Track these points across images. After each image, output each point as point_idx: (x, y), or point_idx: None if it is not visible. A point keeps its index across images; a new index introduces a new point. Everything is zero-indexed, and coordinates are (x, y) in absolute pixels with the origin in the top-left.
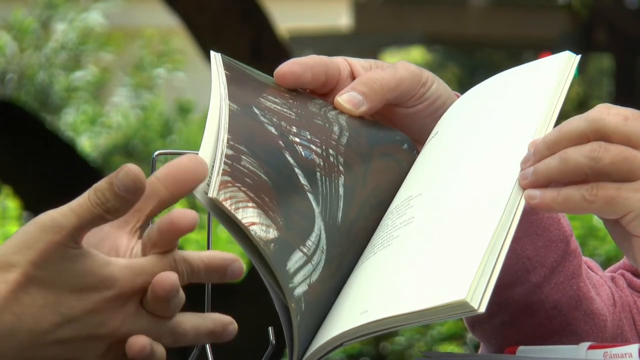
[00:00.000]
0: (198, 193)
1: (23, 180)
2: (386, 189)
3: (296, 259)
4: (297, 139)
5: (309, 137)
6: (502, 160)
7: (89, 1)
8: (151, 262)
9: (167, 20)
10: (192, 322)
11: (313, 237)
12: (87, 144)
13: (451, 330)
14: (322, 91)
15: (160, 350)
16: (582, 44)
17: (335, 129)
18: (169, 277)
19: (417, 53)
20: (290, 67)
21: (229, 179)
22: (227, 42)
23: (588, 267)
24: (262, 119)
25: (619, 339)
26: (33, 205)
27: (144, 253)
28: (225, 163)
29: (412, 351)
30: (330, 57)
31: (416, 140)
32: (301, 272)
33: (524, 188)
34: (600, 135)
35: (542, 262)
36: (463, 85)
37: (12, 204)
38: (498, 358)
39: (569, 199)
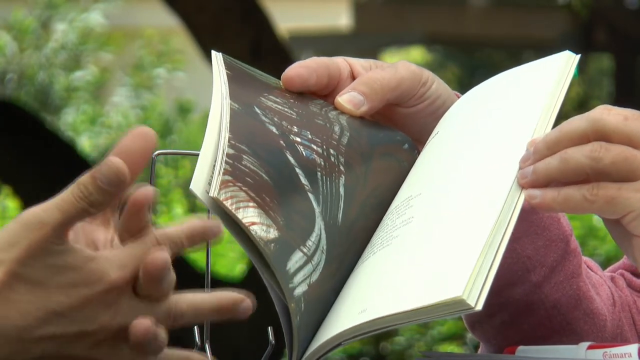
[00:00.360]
0: (199, 192)
1: (23, 180)
2: (387, 188)
3: (296, 259)
4: (298, 139)
5: (310, 136)
6: (502, 159)
7: (89, 1)
8: (135, 248)
9: (167, 20)
10: (189, 300)
11: (313, 237)
12: (87, 144)
13: (451, 330)
14: (324, 92)
15: (162, 333)
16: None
17: (336, 128)
18: (160, 255)
19: (417, 53)
20: (297, 71)
21: (230, 178)
22: (227, 42)
23: (587, 266)
24: (263, 118)
25: (619, 339)
26: (33, 205)
27: (123, 242)
28: (226, 162)
29: (412, 351)
30: (330, 58)
31: (416, 139)
32: (301, 272)
33: (523, 187)
34: (601, 135)
35: (542, 262)
36: (463, 85)
37: (12, 204)
38: (498, 358)
39: (569, 199)
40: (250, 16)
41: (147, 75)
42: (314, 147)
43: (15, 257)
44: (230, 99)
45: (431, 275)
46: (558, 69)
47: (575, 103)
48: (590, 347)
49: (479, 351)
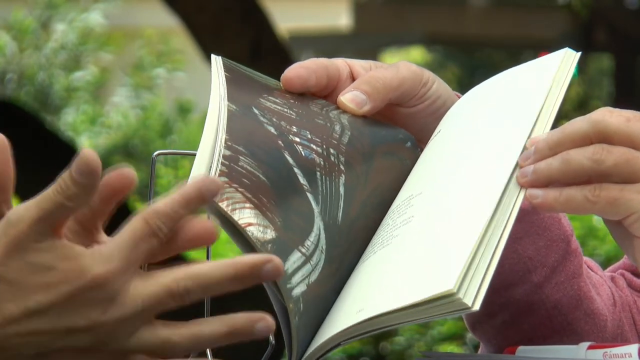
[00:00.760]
0: None
1: (23, 180)
2: (388, 187)
3: (294, 259)
4: (297, 139)
5: (309, 136)
6: (502, 158)
7: (89, 1)
8: (122, 236)
9: (167, 20)
10: (194, 274)
11: (312, 237)
12: (87, 144)
13: (451, 330)
14: (323, 93)
15: None
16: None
17: (337, 128)
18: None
19: (417, 53)
20: (297, 72)
21: (226, 179)
22: (227, 42)
23: (588, 266)
24: (262, 119)
25: (619, 339)
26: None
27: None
28: (222, 164)
29: (412, 351)
30: (329, 59)
31: (417, 139)
32: (299, 272)
33: (522, 186)
34: (603, 136)
35: (543, 262)
36: (463, 85)
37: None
38: (498, 358)
39: (571, 199)
40: (250, 16)
41: (147, 75)
42: (314, 146)
43: None
44: (228, 100)
45: (425, 271)
46: (558, 67)
47: (575, 103)
48: (590, 347)
49: (479, 351)
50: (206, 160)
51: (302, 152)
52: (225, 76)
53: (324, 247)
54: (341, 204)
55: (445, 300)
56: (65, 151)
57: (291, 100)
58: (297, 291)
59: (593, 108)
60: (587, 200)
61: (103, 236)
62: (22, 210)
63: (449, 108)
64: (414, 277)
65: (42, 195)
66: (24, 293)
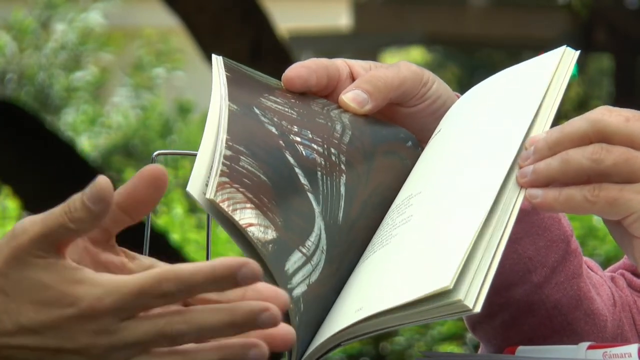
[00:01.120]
0: (196, 194)
1: (23, 180)
2: (389, 187)
3: (295, 259)
4: (298, 138)
5: (310, 136)
6: (499, 157)
7: (89, 1)
8: (130, 280)
9: (167, 20)
10: (188, 319)
11: (313, 237)
12: (87, 144)
13: (451, 331)
14: (324, 93)
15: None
16: (582, 44)
17: (338, 127)
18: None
19: (417, 53)
20: (298, 71)
21: (226, 180)
22: (227, 42)
23: (588, 267)
24: (263, 118)
25: (619, 339)
26: (33, 205)
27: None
28: (223, 164)
29: (412, 351)
30: (329, 59)
31: (417, 139)
32: (300, 272)
33: (522, 186)
34: (602, 136)
35: (543, 262)
36: (463, 85)
37: (12, 204)
38: (498, 358)
39: (570, 199)
40: (250, 16)
41: (147, 75)
42: (315, 146)
43: None
44: (229, 100)
45: (423, 270)
46: (557, 65)
47: (575, 103)
48: (590, 347)
49: (479, 351)
50: (207, 160)
51: (303, 152)
52: (226, 76)
53: (325, 247)
54: (342, 203)
55: (443, 298)
56: (65, 151)
57: (292, 100)
58: (298, 291)
59: (593, 108)
60: (586, 200)
61: (114, 247)
62: (27, 224)
63: (448, 108)
64: (412, 275)
65: (50, 212)
66: (18, 308)
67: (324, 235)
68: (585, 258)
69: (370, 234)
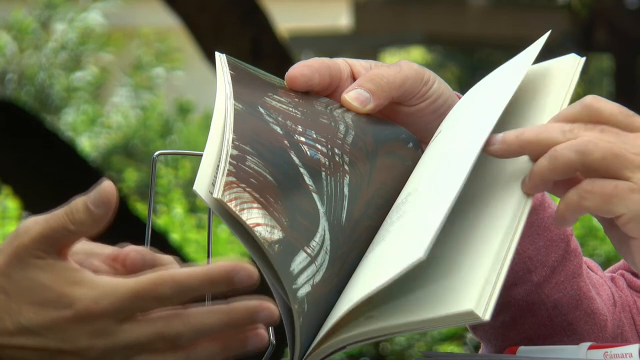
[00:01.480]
0: (202, 193)
1: (23, 180)
2: (391, 188)
3: (300, 259)
4: (302, 139)
5: (314, 136)
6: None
7: (89, 1)
8: (127, 283)
9: (167, 20)
10: (187, 322)
11: (317, 238)
12: (87, 144)
13: (451, 330)
14: (326, 92)
15: None
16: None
17: (341, 127)
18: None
19: (417, 53)
20: (300, 70)
21: (234, 179)
22: (227, 42)
23: (588, 267)
24: (268, 118)
25: (619, 339)
26: (33, 205)
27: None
28: (230, 163)
29: (412, 351)
30: (330, 59)
31: (418, 139)
32: (305, 273)
33: (528, 193)
34: (595, 110)
35: (543, 262)
36: (463, 85)
37: (12, 204)
38: (498, 358)
39: (566, 198)
40: (250, 16)
41: (147, 75)
42: (319, 146)
43: None
44: (234, 99)
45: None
46: (563, 72)
47: None
48: (591, 348)
49: (480, 351)
50: (213, 160)
51: (308, 152)
52: (231, 74)
53: (329, 247)
54: (345, 204)
55: (461, 314)
56: (65, 151)
57: (296, 99)
58: (302, 292)
59: None
60: (580, 196)
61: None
62: (30, 224)
63: (449, 107)
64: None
65: (52, 213)
66: (19, 308)
67: (327, 236)
68: (585, 258)
69: (372, 234)
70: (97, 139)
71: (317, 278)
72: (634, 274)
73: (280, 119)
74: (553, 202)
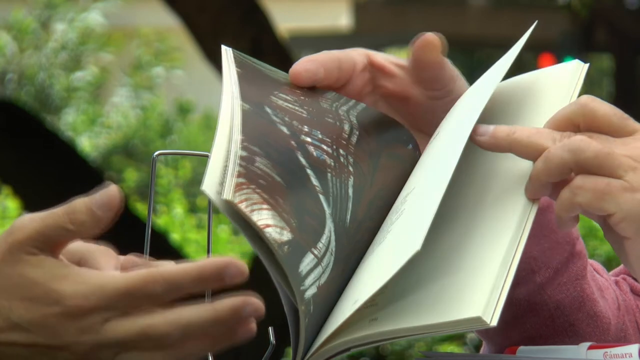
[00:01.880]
0: (211, 194)
1: (23, 180)
2: (390, 189)
3: (308, 261)
4: (308, 139)
5: (320, 136)
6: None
7: (89, 1)
8: (117, 280)
9: (167, 20)
10: (170, 319)
11: (324, 239)
12: (87, 144)
13: None
14: (335, 86)
15: None
16: (582, 44)
17: (346, 127)
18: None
19: None
20: (304, 65)
21: (243, 180)
22: (227, 42)
23: (594, 269)
24: (274, 118)
25: (622, 342)
26: (33, 205)
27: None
28: (240, 165)
29: (412, 351)
30: (345, 51)
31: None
32: (312, 274)
33: (529, 198)
34: (590, 110)
35: (547, 263)
36: None
37: (12, 204)
38: (498, 358)
39: (561, 199)
40: (250, 16)
41: (147, 75)
42: (324, 147)
43: None
44: (241, 99)
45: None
46: (566, 78)
47: None
48: (590, 348)
49: (482, 350)
50: (221, 161)
51: (314, 153)
52: (237, 72)
53: (334, 249)
54: (349, 205)
55: (468, 320)
56: (65, 151)
57: (302, 97)
58: (309, 293)
59: None
60: (572, 193)
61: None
62: (27, 220)
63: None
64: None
65: (51, 211)
66: (9, 304)
67: (333, 237)
68: (591, 261)
69: (372, 235)
70: (97, 139)
71: (323, 279)
72: (635, 279)
73: (286, 119)
74: None
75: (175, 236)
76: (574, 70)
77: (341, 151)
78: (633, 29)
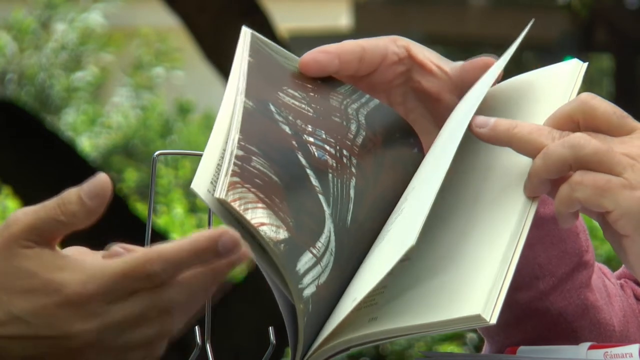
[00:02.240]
0: (202, 194)
1: (23, 180)
2: (393, 191)
3: (306, 260)
4: (311, 139)
5: (323, 136)
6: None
7: (89, 1)
8: (114, 264)
9: (167, 20)
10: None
11: (323, 239)
12: (87, 144)
13: None
14: (358, 75)
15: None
16: (582, 44)
17: (353, 127)
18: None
19: None
20: (315, 56)
21: (238, 179)
22: (227, 42)
23: (603, 273)
24: (277, 117)
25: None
26: (33, 205)
27: None
28: (234, 164)
29: (412, 351)
30: (374, 40)
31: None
32: (310, 273)
33: (528, 196)
34: (590, 107)
35: (552, 272)
36: None
37: (12, 204)
38: (498, 358)
39: (560, 195)
40: (250, 16)
41: (147, 75)
42: (327, 147)
43: None
44: (246, 95)
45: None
46: (565, 78)
47: None
48: (591, 348)
49: (483, 349)
50: (215, 159)
51: (316, 153)
52: (249, 62)
53: (334, 249)
54: (351, 206)
55: (467, 318)
56: (65, 151)
57: (311, 93)
58: (308, 292)
59: None
60: (571, 188)
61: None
62: (20, 214)
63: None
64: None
65: (44, 204)
66: (9, 298)
67: (333, 237)
68: (600, 265)
69: (374, 237)
70: (97, 139)
71: (322, 279)
72: (637, 283)
73: (290, 117)
74: None
75: (175, 236)
76: (572, 70)
77: (345, 152)
78: (633, 29)
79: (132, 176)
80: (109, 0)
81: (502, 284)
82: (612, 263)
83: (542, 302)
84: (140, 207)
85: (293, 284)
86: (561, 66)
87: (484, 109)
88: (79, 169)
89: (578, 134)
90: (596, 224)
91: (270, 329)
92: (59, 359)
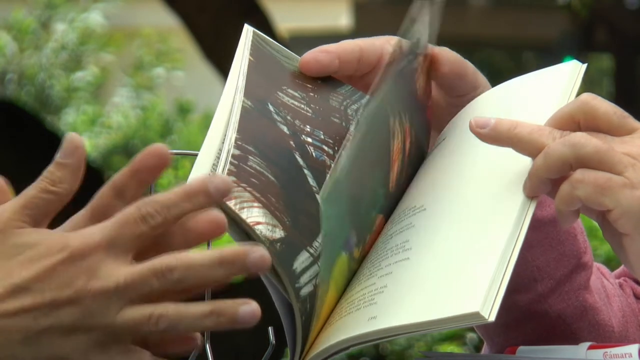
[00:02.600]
0: None
1: (23, 180)
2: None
3: (303, 259)
4: (309, 139)
5: (322, 137)
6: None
7: (89, 1)
8: (112, 219)
9: (168, 20)
10: (179, 257)
11: (320, 238)
12: (87, 144)
13: (451, 330)
14: (356, 75)
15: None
16: (582, 44)
17: (352, 128)
18: None
19: None
20: (315, 56)
21: (234, 179)
22: (227, 42)
23: (602, 273)
24: (276, 117)
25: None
26: None
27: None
28: (231, 163)
29: (412, 351)
30: (371, 40)
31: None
32: (307, 272)
33: (528, 195)
34: (590, 108)
35: (550, 274)
36: None
37: None
38: (498, 358)
39: (561, 193)
40: (250, 16)
41: (147, 75)
42: (325, 148)
43: None
44: (245, 95)
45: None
46: (564, 79)
47: None
48: (590, 347)
49: (483, 350)
50: (211, 158)
51: (314, 154)
52: (249, 61)
53: None
54: None
55: (466, 316)
56: None
57: (311, 94)
58: (305, 291)
59: None
60: (572, 186)
61: None
62: (8, 203)
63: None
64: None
65: (28, 187)
66: (9, 271)
67: None
68: (598, 265)
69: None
70: (97, 139)
71: (319, 278)
72: (636, 281)
73: (289, 117)
74: None
75: None
76: (572, 71)
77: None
78: (633, 29)
79: None
80: (109, 0)
81: (501, 281)
82: (611, 263)
83: (540, 304)
84: None
85: (290, 282)
86: (560, 67)
87: (483, 110)
88: None
89: (579, 134)
90: (595, 224)
91: (270, 329)
92: (62, 333)
